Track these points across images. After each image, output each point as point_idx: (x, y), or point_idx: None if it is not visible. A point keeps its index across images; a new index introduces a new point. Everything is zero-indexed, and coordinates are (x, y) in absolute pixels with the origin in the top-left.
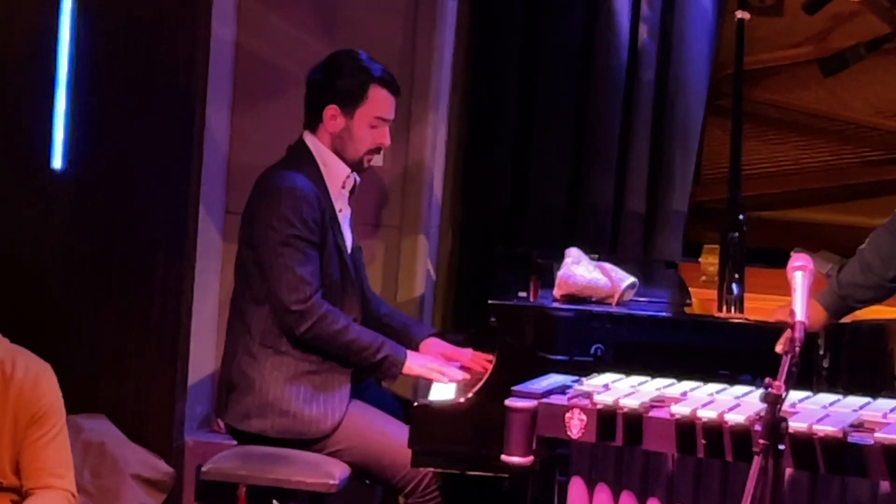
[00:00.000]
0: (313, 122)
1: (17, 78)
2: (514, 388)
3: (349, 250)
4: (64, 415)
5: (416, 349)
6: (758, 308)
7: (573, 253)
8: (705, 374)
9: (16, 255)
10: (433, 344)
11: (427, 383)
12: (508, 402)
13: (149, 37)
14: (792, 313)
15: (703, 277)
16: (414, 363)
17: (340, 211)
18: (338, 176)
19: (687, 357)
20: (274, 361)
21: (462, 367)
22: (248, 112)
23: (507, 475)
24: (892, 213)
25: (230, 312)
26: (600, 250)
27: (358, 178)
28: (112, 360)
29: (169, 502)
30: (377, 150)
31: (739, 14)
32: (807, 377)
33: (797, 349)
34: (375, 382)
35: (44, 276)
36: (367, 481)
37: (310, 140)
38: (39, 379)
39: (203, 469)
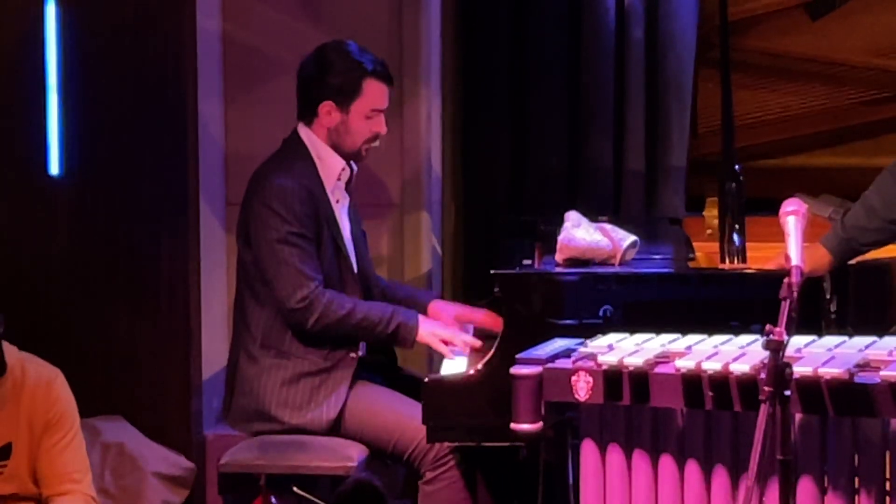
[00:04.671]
0: (308, 115)
1: (7, 87)
2: (519, 355)
3: (349, 240)
4: (78, 418)
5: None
6: (763, 257)
7: (572, 216)
8: (716, 326)
9: (22, 264)
10: (440, 306)
11: (439, 358)
12: (513, 369)
13: (135, 34)
14: (787, 258)
15: (709, 231)
16: (425, 329)
17: (338, 202)
18: (333, 169)
19: (696, 311)
20: (273, 363)
21: (477, 328)
22: (241, 102)
23: (522, 443)
24: None
25: (234, 310)
26: (603, 211)
27: (356, 168)
28: (125, 361)
29: (192, 497)
30: (375, 139)
31: None
32: (815, 322)
33: (795, 294)
34: (386, 369)
35: (50, 282)
36: (388, 461)
37: (304, 133)
38: (51, 385)
39: (221, 462)
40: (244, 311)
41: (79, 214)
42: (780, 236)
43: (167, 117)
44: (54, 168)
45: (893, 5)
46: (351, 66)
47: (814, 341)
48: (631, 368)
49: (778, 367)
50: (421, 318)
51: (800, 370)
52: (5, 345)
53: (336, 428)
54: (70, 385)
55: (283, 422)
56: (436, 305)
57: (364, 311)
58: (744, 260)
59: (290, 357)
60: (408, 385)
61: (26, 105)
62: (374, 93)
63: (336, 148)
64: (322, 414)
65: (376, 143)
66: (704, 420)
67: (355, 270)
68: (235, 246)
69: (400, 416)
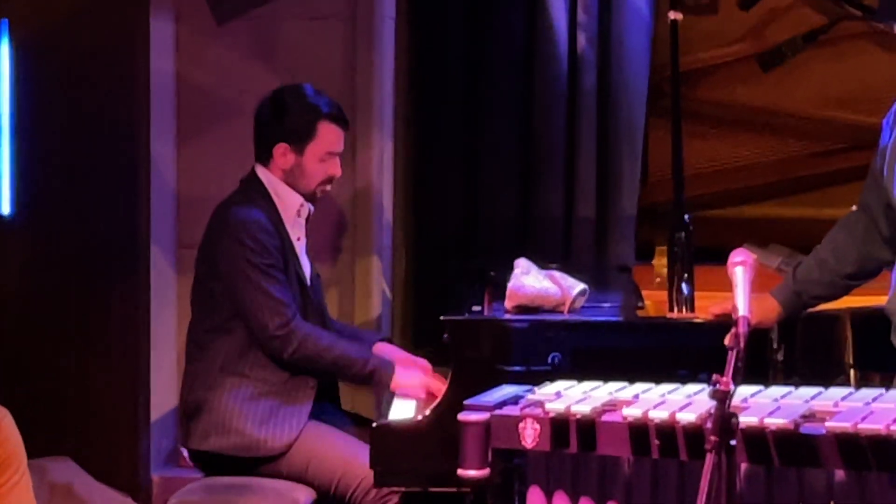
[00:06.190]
0: (264, 157)
1: None
2: (466, 401)
3: (308, 278)
4: (25, 459)
5: None
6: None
7: (522, 263)
8: (663, 375)
9: None
10: (384, 348)
11: (388, 401)
12: (461, 416)
13: (88, 74)
14: (734, 308)
15: (658, 279)
16: (402, 379)
17: (298, 240)
18: (292, 205)
19: (644, 359)
20: (235, 382)
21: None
22: (194, 143)
23: (469, 489)
24: (849, 210)
25: (187, 345)
26: (553, 259)
27: (312, 207)
28: (73, 401)
29: None
30: (329, 181)
31: (672, 15)
32: (762, 371)
33: (742, 344)
34: (331, 404)
35: (0, 322)
36: None
37: (262, 172)
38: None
39: None
40: (202, 343)
41: (30, 254)
42: (729, 286)
43: (120, 158)
44: (5, 208)
45: (843, 57)
46: (306, 109)
47: (760, 391)
48: (578, 416)
49: (724, 416)
50: (397, 367)
51: (746, 420)
52: None
53: (281, 463)
54: (17, 425)
55: (244, 433)
56: (379, 347)
57: (343, 348)
58: (692, 309)
59: (250, 378)
60: (350, 425)
61: None
62: (329, 136)
63: (292, 187)
64: (284, 432)
65: (328, 188)
66: (651, 468)
67: (316, 307)
68: (186, 288)
69: (344, 455)
